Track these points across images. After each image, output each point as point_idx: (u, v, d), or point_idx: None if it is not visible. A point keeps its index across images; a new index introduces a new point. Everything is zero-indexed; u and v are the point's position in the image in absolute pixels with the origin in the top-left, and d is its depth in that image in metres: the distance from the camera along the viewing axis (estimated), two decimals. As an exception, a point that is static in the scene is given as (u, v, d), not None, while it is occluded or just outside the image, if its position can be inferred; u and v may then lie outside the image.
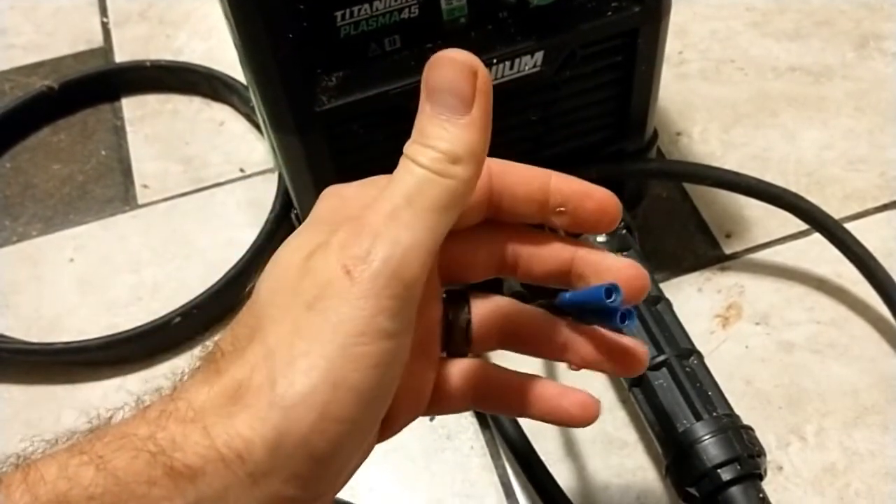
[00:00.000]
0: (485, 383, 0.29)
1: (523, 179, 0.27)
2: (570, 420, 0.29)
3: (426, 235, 0.23)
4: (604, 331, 0.29)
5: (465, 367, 0.29)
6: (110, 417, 0.24)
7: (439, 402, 0.29)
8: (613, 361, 0.28)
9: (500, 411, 0.30)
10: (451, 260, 0.28)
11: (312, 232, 0.25)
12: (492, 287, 0.30)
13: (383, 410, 0.24)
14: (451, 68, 0.24)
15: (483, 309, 0.29)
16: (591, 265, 0.28)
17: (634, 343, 0.29)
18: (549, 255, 0.28)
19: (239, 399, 0.22)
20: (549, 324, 0.29)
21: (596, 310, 0.27)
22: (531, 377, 0.30)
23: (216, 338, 0.25)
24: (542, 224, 0.28)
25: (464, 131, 0.24)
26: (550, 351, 0.29)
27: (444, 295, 0.29)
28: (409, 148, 0.24)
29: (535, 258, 0.29)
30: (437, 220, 0.23)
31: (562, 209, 0.27)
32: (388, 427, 0.27)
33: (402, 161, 0.24)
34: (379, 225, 0.23)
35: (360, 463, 0.26)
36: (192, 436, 0.22)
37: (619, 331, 0.29)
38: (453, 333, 0.29)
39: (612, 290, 0.26)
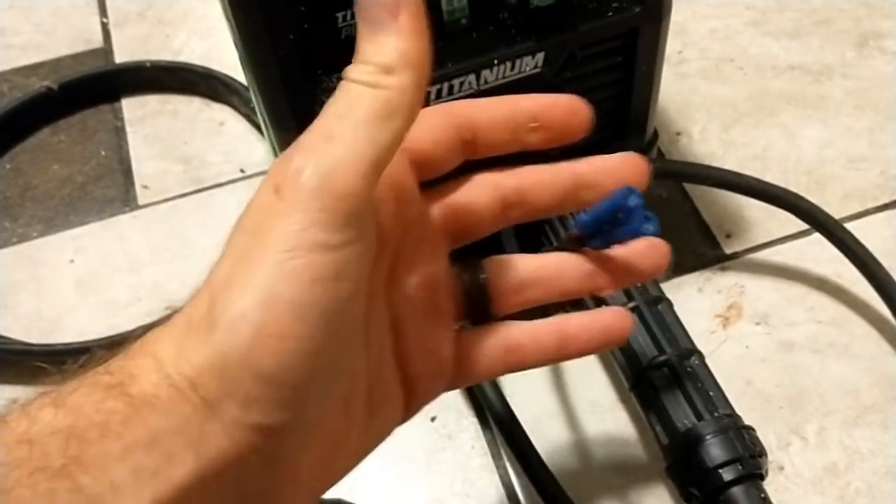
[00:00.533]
0: (515, 343, 0.29)
1: (490, 107, 0.28)
2: (608, 335, 0.29)
3: (363, 147, 0.23)
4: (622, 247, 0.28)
5: (490, 331, 0.29)
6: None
7: (469, 371, 0.29)
8: (642, 263, 0.29)
9: (538, 363, 0.29)
10: (455, 217, 0.28)
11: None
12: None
13: (350, 335, 0.24)
14: None
15: (500, 267, 0.29)
16: (593, 169, 0.29)
17: (654, 240, 0.29)
18: (550, 179, 0.29)
19: (186, 331, 0.23)
20: (570, 261, 0.30)
21: (618, 221, 0.27)
22: (555, 321, 0.30)
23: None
24: (520, 151, 0.29)
25: (393, 40, 0.24)
26: (578, 286, 0.30)
27: (456, 261, 0.29)
28: (346, 69, 0.24)
29: (536, 189, 0.29)
30: (374, 131, 0.23)
31: (534, 125, 0.28)
32: (411, 396, 0.27)
33: (339, 84, 0.24)
34: (310, 143, 0.23)
35: (354, 402, 0.26)
36: (144, 367, 0.22)
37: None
38: (472, 297, 0.28)
39: (629, 191, 0.26)
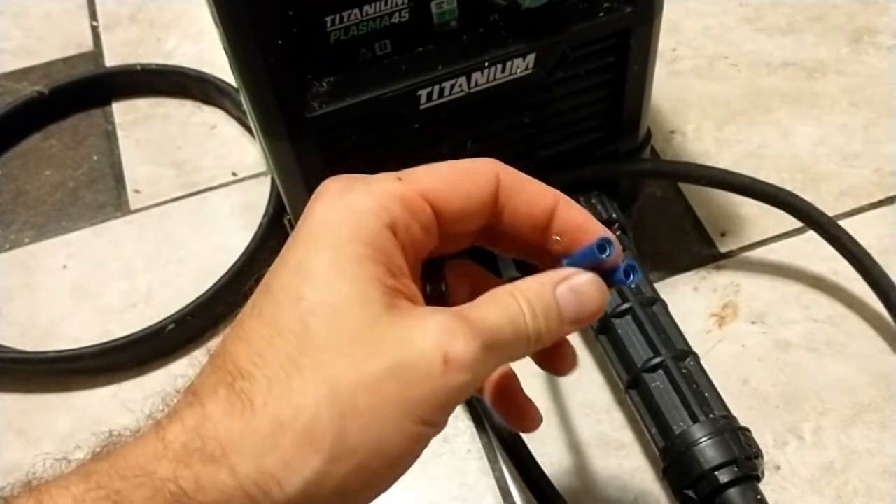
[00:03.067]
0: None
1: (531, 199, 0.28)
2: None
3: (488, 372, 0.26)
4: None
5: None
6: (121, 437, 0.24)
7: None
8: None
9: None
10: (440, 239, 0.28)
11: (373, 266, 0.25)
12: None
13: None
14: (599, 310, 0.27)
15: (458, 276, 0.30)
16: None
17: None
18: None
19: (277, 438, 0.22)
20: None
21: (595, 269, 0.27)
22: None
23: (224, 347, 0.24)
24: (537, 247, 0.29)
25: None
26: None
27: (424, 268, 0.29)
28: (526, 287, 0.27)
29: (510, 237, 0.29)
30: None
31: (558, 238, 0.28)
32: None
33: (512, 299, 0.26)
34: (476, 340, 0.24)
35: None
36: (218, 476, 0.22)
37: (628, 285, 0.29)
38: (429, 302, 0.29)
39: (603, 244, 0.26)
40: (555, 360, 0.32)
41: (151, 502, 0.22)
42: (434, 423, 0.24)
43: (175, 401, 0.24)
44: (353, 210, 0.25)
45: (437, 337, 0.24)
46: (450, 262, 0.30)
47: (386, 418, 0.23)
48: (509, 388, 0.32)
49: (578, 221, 0.28)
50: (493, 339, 0.25)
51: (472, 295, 0.28)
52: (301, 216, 0.26)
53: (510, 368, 0.32)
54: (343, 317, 0.24)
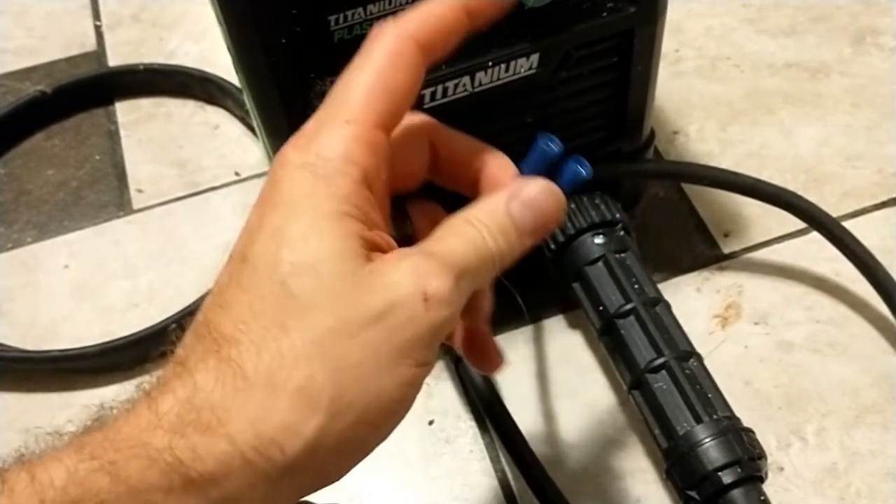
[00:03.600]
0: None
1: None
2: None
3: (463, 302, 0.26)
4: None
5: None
6: (112, 410, 0.24)
7: None
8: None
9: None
10: (396, 175, 0.28)
11: (351, 221, 0.25)
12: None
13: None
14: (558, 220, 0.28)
15: (420, 215, 0.31)
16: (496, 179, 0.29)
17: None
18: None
19: (274, 402, 0.22)
20: None
21: (551, 171, 0.28)
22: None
23: (206, 318, 0.24)
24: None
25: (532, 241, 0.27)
26: None
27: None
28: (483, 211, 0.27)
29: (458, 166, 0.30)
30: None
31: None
32: None
33: (469, 226, 0.26)
34: (449, 273, 0.25)
35: None
36: (216, 445, 0.22)
37: (582, 181, 0.29)
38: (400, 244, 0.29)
39: (546, 139, 0.27)
40: (482, 357, 0.32)
41: (147, 473, 0.21)
42: (425, 362, 0.24)
43: (162, 372, 0.24)
44: (325, 174, 0.25)
45: (413, 279, 0.24)
46: (412, 204, 0.30)
47: (380, 366, 0.23)
48: (475, 331, 0.32)
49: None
50: (462, 269, 0.25)
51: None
52: (265, 184, 0.26)
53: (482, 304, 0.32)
54: (323, 274, 0.24)
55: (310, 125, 0.26)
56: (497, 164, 0.29)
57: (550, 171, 0.28)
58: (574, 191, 0.29)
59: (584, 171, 0.28)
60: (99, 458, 0.22)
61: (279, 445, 0.22)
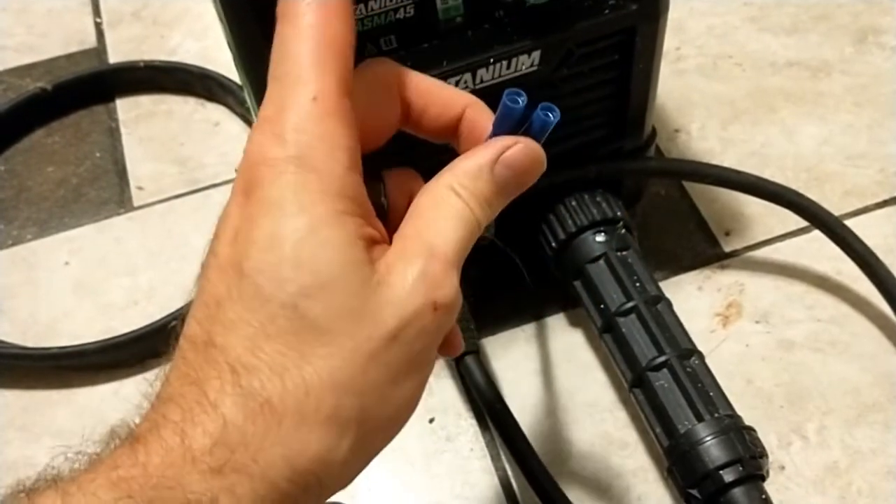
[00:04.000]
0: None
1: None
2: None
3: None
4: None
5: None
6: (139, 430, 0.23)
7: None
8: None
9: None
10: (365, 134, 0.27)
11: (351, 221, 0.24)
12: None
13: None
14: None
15: (399, 185, 0.29)
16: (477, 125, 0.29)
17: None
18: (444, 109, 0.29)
19: (304, 433, 0.22)
20: None
21: (521, 125, 0.28)
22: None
23: (210, 338, 0.23)
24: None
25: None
26: None
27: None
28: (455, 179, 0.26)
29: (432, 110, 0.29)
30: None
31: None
32: None
33: (456, 198, 0.26)
34: (453, 271, 0.25)
35: None
36: (252, 484, 0.22)
37: (553, 126, 0.28)
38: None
39: (512, 96, 0.27)
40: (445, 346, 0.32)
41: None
42: (432, 363, 0.25)
43: (171, 387, 0.23)
44: (313, 166, 0.23)
45: (423, 290, 0.24)
46: (388, 174, 0.29)
47: (396, 381, 0.24)
48: None
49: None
50: (460, 258, 0.25)
51: (410, 197, 0.27)
52: (243, 182, 0.24)
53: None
54: (336, 293, 0.23)
55: (269, 109, 0.24)
56: (475, 110, 0.29)
57: (520, 123, 0.28)
58: (546, 138, 0.28)
59: (552, 116, 0.27)
60: (135, 496, 0.21)
61: (315, 475, 0.22)
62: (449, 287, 0.24)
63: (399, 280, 0.24)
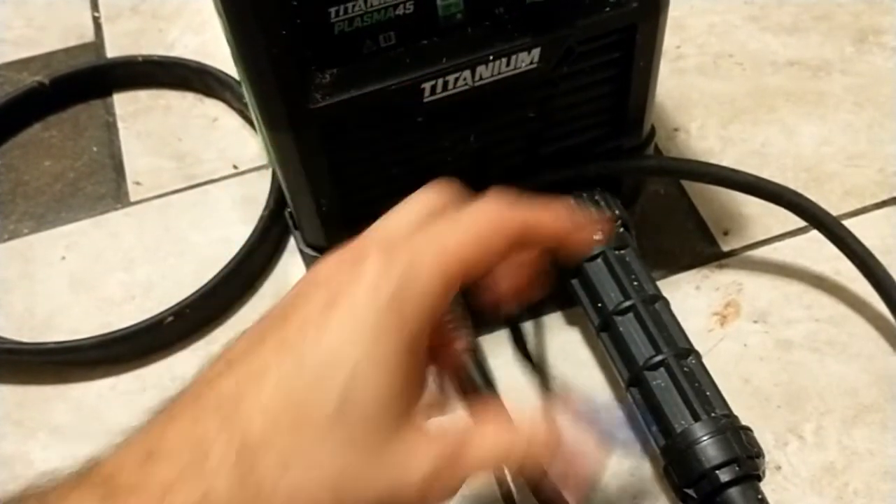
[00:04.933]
0: None
1: (547, 233, 0.29)
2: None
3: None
4: None
5: None
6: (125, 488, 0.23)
7: None
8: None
9: None
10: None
11: (410, 362, 0.25)
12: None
13: None
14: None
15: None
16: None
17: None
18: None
19: None
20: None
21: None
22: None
23: (238, 408, 0.24)
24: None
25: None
26: None
27: None
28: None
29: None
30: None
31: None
32: None
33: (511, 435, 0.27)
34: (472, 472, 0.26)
35: None
36: None
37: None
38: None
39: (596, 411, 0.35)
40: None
41: None
42: None
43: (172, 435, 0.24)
44: (401, 294, 0.25)
45: (424, 475, 0.24)
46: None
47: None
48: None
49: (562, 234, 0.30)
50: (476, 470, 0.26)
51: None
52: (327, 277, 0.26)
53: None
54: (368, 415, 0.24)
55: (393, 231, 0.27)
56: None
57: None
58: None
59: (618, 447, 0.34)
60: None
61: None
62: (443, 490, 0.25)
63: (414, 449, 0.25)
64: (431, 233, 0.26)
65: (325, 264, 0.26)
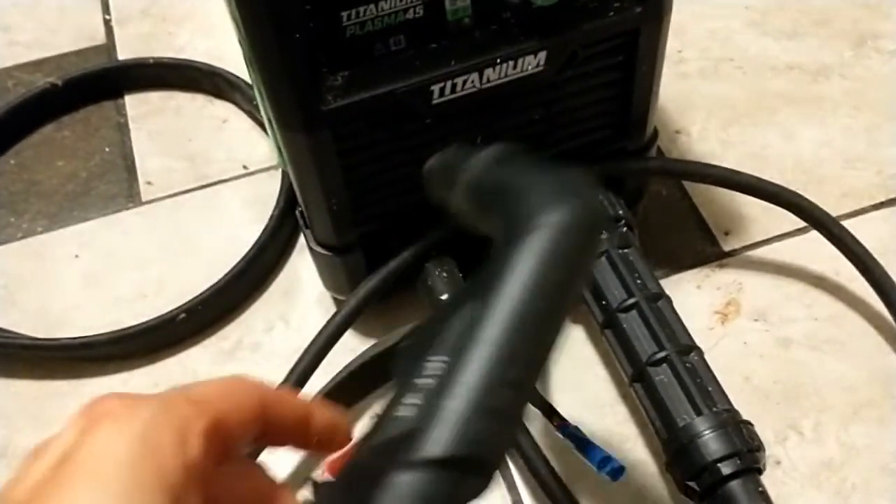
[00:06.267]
0: None
1: (290, 417, 0.27)
2: None
3: None
4: None
5: None
6: None
7: None
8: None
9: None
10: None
11: None
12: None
13: None
14: None
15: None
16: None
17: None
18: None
19: None
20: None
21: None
22: None
23: None
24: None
25: None
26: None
27: None
28: None
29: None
30: None
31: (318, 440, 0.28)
32: None
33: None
34: None
35: None
36: None
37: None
38: None
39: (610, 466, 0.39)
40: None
41: None
42: None
43: None
44: (152, 444, 0.21)
45: None
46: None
47: None
48: None
49: (327, 423, 0.28)
50: None
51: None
52: (68, 438, 0.22)
53: None
54: None
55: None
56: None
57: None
58: None
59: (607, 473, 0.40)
60: None
61: None
62: None
63: None
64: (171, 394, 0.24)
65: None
